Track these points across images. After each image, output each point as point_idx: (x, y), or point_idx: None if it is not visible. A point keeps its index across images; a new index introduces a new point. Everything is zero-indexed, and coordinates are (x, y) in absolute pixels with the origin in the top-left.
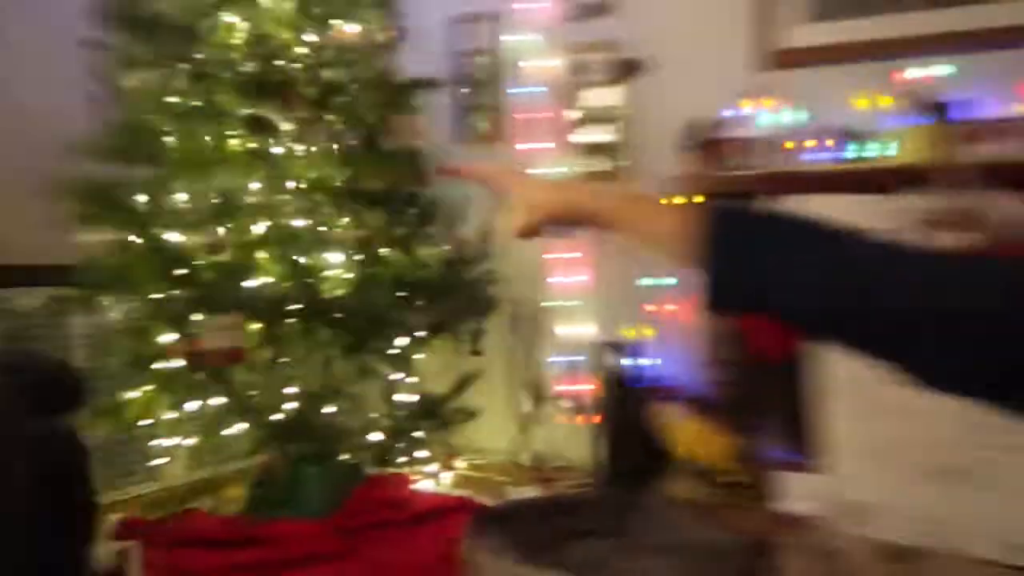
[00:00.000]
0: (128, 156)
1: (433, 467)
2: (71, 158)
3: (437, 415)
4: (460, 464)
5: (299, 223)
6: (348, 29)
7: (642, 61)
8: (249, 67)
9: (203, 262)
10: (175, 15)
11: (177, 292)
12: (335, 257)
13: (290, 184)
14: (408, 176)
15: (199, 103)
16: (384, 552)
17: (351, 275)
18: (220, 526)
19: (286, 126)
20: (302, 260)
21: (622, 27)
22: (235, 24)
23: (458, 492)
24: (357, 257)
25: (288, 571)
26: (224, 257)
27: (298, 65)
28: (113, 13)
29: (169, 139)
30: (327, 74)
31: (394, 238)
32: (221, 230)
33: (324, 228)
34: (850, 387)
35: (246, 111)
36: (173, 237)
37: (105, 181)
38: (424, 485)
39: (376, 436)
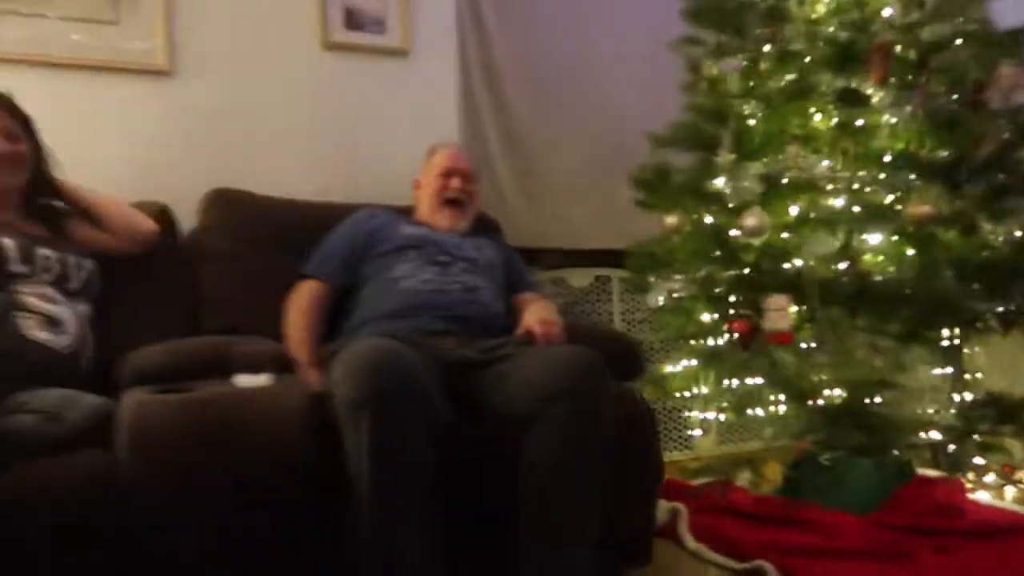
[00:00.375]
0: (702, 143)
1: (993, 477)
2: (644, 149)
3: (1017, 420)
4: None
5: (840, 202)
6: None
7: None
8: (839, 38)
9: (747, 243)
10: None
11: (722, 273)
12: (887, 237)
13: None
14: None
15: (786, 82)
16: (939, 563)
17: (905, 256)
18: (756, 502)
19: (879, 95)
20: (846, 240)
21: None
22: None
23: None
24: (912, 236)
25: (826, 560)
26: (766, 238)
27: (892, 28)
28: (699, 10)
29: (751, 122)
30: (926, 32)
31: (956, 213)
32: (761, 210)
33: (874, 204)
34: None
35: (837, 84)
36: (719, 219)
37: (671, 168)
38: (982, 496)
39: (932, 435)
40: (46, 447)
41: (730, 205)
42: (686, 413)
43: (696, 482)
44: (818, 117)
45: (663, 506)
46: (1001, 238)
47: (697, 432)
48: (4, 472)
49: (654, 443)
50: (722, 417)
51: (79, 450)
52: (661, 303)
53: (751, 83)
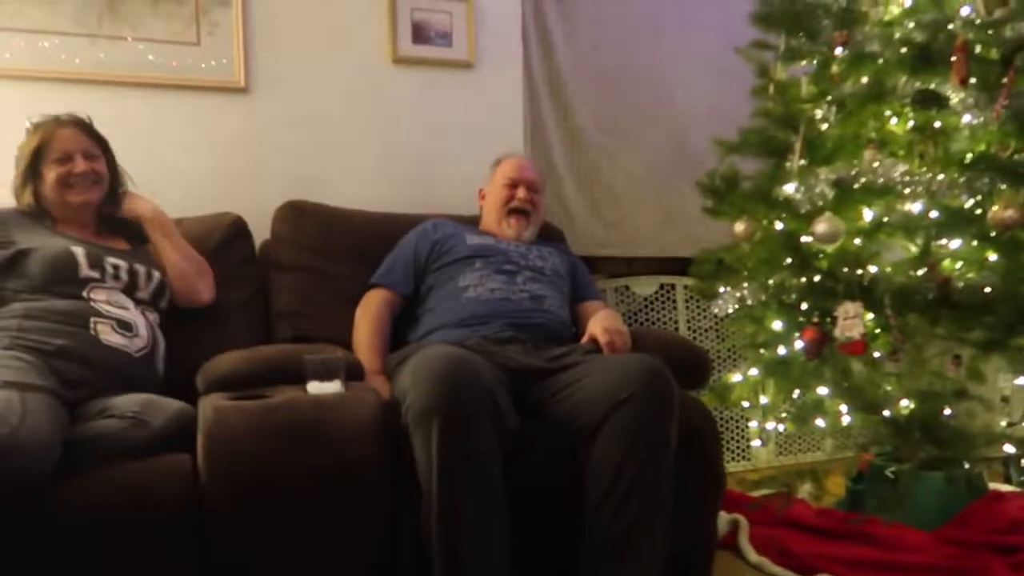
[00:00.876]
0: (771, 148)
1: None
2: (708, 156)
3: None
4: None
5: (918, 206)
6: None
7: None
8: (915, 38)
9: (820, 249)
10: (831, 2)
11: (794, 280)
12: (968, 242)
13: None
14: None
15: (860, 85)
16: None
17: (987, 261)
18: (817, 514)
19: (959, 96)
20: (925, 246)
21: None
22: None
23: None
24: (995, 241)
25: (890, 574)
26: (839, 244)
27: (972, 26)
28: (769, 14)
29: (824, 126)
30: (1009, 30)
31: None
32: (833, 216)
33: (953, 209)
34: None
35: (914, 86)
36: (790, 225)
37: (739, 174)
38: None
39: (1007, 448)
40: (135, 452)
41: (801, 211)
42: (749, 423)
43: (755, 494)
44: (894, 120)
45: (723, 517)
46: None
47: (756, 443)
48: (84, 475)
49: (717, 453)
50: (781, 428)
51: (161, 455)
52: (730, 311)
53: (822, 87)
